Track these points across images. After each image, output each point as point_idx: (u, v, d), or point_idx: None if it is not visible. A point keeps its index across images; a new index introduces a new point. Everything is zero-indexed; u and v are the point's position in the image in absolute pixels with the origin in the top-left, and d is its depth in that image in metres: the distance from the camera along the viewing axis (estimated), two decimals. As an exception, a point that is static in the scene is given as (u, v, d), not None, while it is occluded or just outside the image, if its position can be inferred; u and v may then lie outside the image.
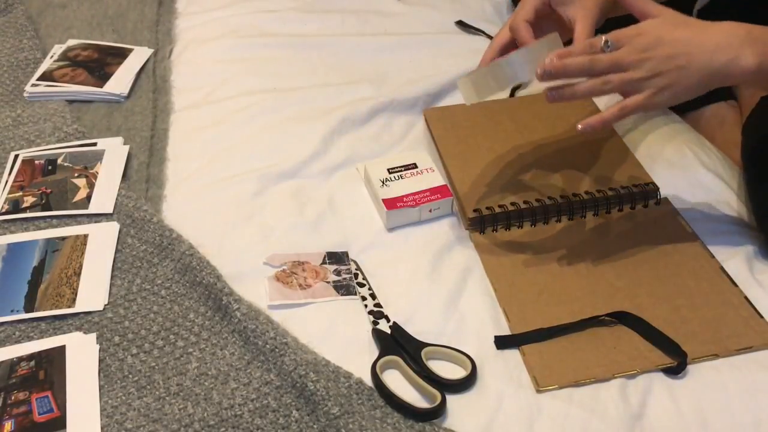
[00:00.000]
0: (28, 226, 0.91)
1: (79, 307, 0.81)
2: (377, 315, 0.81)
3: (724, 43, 0.76)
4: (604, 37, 0.78)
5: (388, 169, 0.95)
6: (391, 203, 0.90)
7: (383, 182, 0.93)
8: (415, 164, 0.96)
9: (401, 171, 0.95)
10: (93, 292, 0.83)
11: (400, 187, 0.93)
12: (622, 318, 0.80)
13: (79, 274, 0.85)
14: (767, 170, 0.91)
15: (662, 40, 0.77)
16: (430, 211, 0.92)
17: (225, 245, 0.89)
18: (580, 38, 0.83)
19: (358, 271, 0.86)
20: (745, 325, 0.80)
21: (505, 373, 0.76)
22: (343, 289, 0.84)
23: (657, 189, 0.95)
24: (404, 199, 0.91)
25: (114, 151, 1.01)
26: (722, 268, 0.87)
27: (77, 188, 0.96)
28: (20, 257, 0.87)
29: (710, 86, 0.78)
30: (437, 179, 0.94)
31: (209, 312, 0.81)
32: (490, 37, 1.25)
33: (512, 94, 1.14)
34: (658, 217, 0.94)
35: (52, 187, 0.96)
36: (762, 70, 0.76)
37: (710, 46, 0.77)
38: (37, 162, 0.99)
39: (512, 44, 0.89)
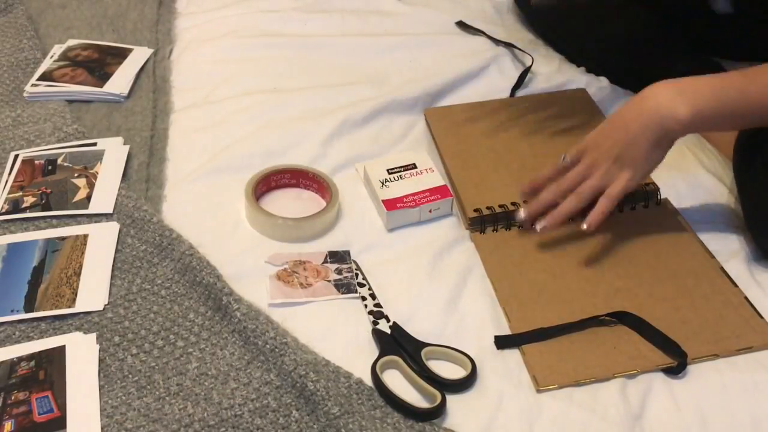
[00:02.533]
0: (28, 226, 0.91)
1: (79, 307, 0.81)
2: (377, 315, 0.81)
3: (654, 106, 0.80)
4: (563, 156, 0.87)
5: (388, 170, 0.95)
6: (391, 204, 0.90)
7: (383, 183, 0.93)
8: (414, 164, 0.96)
9: (401, 171, 0.95)
10: (93, 292, 0.83)
11: (399, 188, 0.93)
12: (622, 318, 0.80)
13: (79, 274, 0.85)
14: (755, 173, 0.91)
15: (603, 131, 0.84)
16: (430, 211, 0.91)
17: (225, 245, 0.89)
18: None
19: (358, 271, 0.86)
20: (745, 326, 0.80)
21: (505, 373, 0.76)
22: (344, 287, 0.84)
23: (657, 189, 0.95)
24: (404, 199, 0.91)
25: (114, 151, 1.01)
26: (722, 269, 0.87)
27: (77, 188, 0.96)
28: (20, 257, 0.87)
29: (664, 146, 0.83)
30: (437, 179, 0.94)
31: (209, 312, 0.81)
32: (490, 38, 1.25)
33: (512, 94, 1.14)
34: (658, 217, 0.94)
35: (52, 187, 0.96)
36: (696, 120, 0.80)
37: (643, 111, 0.81)
38: (37, 162, 0.99)
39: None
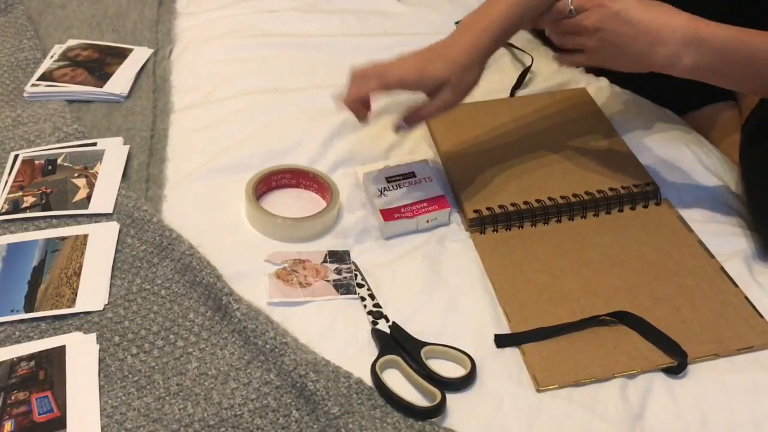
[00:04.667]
0: (28, 226, 0.91)
1: (79, 307, 0.81)
2: (376, 315, 0.81)
3: (668, 39, 0.80)
4: (570, 5, 0.84)
5: (387, 178, 0.95)
6: (388, 214, 0.90)
7: (381, 192, 0.93)
8: (413, 173, 0.96)
9: (399, 180, 0.95)
10: (93, 292, 0.83)
11: (397, 197, 0.92)
12: (622, 318, 0.80)
13: (79, 274, 0.85)
14: (766, 170, 0.91)
15: (617, 17, 0.81)
16: (428, 221, 0.91)
17: (225, 245, 0.89)
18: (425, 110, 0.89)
19: (357, 272, 0.86)
20: (745, 325, 0.80)
21: (505, 373, 0.76)
22: (343, 288, 0.84)
23: (657, 189, 0.95)
24: (401, 210, 0.91)
25: (114, 151, 1.01)
26: (722, 268, 0.87)
27: (77, 188, 0.96)
28: (20, 257, 0.87)
29: (645, 70, 0.83)
30: (435, 189, 0.94)
31: (209, 312, 0.81)
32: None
33: (512, 94, 1.14)
34: (658, 217, 0.94)
35: (52, 187, 0.96)
36: (697, 71, 0.80)
37: (653, 38, 0.80)
38: (37, 162, 0.99)
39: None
